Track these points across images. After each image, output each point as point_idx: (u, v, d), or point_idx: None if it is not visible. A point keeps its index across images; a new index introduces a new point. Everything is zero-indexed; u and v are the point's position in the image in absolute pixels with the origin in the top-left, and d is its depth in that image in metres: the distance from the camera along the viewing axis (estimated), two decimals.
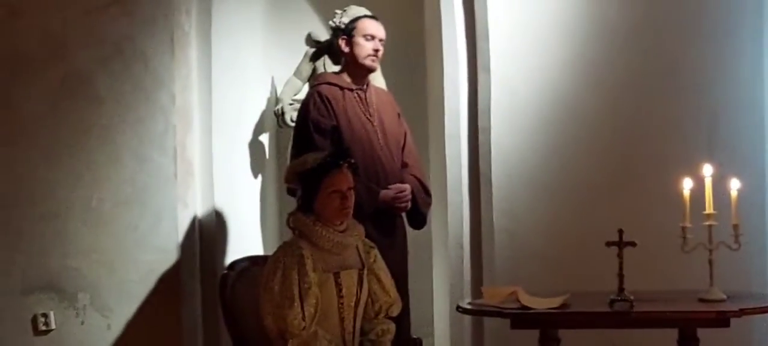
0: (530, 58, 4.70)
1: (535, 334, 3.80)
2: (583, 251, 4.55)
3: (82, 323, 4.65)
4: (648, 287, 4.05)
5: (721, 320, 3.66)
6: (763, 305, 3.84)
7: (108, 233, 4.64)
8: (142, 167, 4.64)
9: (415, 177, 4.47)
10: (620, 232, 3.76)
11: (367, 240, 3.81)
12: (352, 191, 3.69)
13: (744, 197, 3.98)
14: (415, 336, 4.28)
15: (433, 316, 5.23)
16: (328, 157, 3.68)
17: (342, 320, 3.66)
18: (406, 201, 4.38)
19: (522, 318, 3.72)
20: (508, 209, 4.68)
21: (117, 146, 4.65)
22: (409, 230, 4.53)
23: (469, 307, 4.02)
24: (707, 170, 3.89)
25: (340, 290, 3.64)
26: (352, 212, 3.70)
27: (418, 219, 4.51)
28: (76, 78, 4.65)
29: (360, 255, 3.75)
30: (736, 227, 3.84)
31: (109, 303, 4.64)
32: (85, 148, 4.66)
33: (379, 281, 3.76)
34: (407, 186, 4.39)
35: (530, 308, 3.73)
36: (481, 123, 4.72)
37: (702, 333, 3.74)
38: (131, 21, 4.64)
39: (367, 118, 4.40)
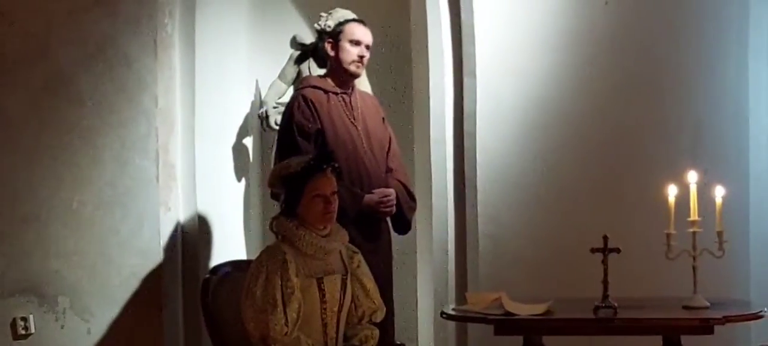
0: (516, 63, 4.69)
1: (519, 340, 3.79)
2: (567, 257, 4.54)
3: (62, 327, 4.60)
4: (632, 293, 4.04)
5: (705, 327, 3.67)
6: (746, 313, 3.85)
7: (89, 236, 4.60)
8: (123, 170, 4.60)
9: (400, 182, 4.45)
10: (605, 238, 3.76)
11: (350, 245, 3.79)
12: (336, 196, 3.67)
13: (728, 203, 3.98)
14: (398, 342, 4.25)
15: (417, 322, 5.21)
16: (311, 161, 3.66)
17: (325, 325, 3.63)
18: (391, 206, 4.35)
19: (506, 324, 3.73)
20: (493, 214, 4.66)
21: (98, 149, 4.60)
22: (393, 235, 4.51)
23: (453, 313, 4.01)
24: (692, 177, 3.90)
25: (323, 296, 3.62)
26: (335, 216, 3.68)
27: (403, 224, 4.49)
28: (59, 79, 4.61)
29: (343, 260, 3.72)
30: (720, 234, 3.84)
31: (90, 307, 4.60)
32: (66, 150, 4.61)
33: (363, 286, 3.74)
34: (392, 191, 4.37)
35: (514, 315, 3.72)
36: (466, 128, 4.71)
37: (686, 340, 3.74)
38: (114, 22, 4.60)
39: (351, 122, 4.37)
